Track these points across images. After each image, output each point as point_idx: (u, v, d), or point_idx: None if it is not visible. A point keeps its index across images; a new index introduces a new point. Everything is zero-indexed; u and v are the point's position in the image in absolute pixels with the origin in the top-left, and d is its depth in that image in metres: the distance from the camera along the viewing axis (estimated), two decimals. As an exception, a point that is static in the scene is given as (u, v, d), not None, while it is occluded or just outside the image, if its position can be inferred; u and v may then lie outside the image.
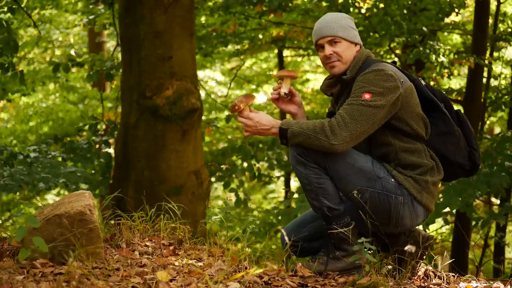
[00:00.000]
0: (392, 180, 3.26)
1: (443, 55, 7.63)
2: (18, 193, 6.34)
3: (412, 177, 3.28)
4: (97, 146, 8.04)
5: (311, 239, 3.53)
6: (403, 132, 3.31)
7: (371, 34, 9.01)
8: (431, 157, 3.35)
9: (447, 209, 6.44)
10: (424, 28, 7.88)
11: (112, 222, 3.67)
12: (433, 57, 7.46)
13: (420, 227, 3.80)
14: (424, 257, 3.45)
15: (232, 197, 8.09)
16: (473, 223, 7.44)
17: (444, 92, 3.58)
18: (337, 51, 3.37)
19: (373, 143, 3.34)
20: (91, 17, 10.03)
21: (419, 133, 3.33)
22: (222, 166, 8.65)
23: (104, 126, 8.67)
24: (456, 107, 3.58)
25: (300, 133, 3.19)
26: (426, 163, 3.31)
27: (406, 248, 3.40)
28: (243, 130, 3.39)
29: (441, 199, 6.42)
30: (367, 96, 3.20)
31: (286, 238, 3.50)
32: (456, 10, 8.13)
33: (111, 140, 8.16)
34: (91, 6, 10.12)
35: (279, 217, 7.74)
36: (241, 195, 8.09)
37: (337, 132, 3.14)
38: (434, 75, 9.63)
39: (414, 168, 3.30)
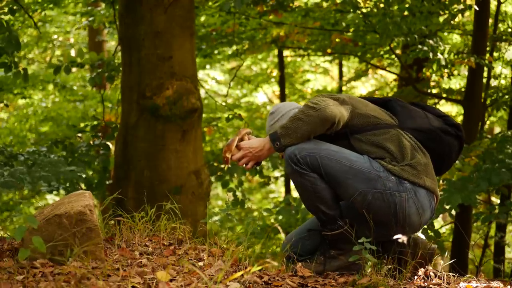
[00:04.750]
0: (392, 177, 3.21)
1: (441, 53, 7.61)
2: (17, 192, 6.32)
3: (407, 164, 3.24)
4: (96, 149, 8.03)
5: (313, 252, 3.50)
6: (374, 126, 3.30)
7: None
8: (410, 139, 3.34)
9: (449, 206, 6.41)
10: (423, 27, 7.87)
11: (112, 222, 3.67)
12: (431, 55, 7.44)
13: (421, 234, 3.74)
14: (426, 266, 3.43)
15: (231, 197, 8.08)
16: (474, 218, 7.42)
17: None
18: None
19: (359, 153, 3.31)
20: (90, 18, 10.03)
21: (388, 121, 3.34)
22: (222, 166, 8.64)
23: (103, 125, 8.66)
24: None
25: (290, 122, 3.19)
26: (408, 145, 3.29)
27: (407, 253, 3.38)
28: (243, 165, 3.35)
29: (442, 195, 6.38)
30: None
31: (289, 249, 3.48)
32: (459, 13, 8.13)
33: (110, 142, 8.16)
34: (89, 8, 10.11)
35: (280, 217, 7.73)
36: (239, 195, 8.07)
37: (318, 102, 3.16)
38: (433, 76, 9.64)
39: (404, 156, 3.26)
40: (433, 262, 3.46)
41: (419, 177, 3.24)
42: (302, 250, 3.47)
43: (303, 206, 6.78)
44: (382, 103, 3.49)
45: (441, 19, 8.45)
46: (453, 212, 6.64)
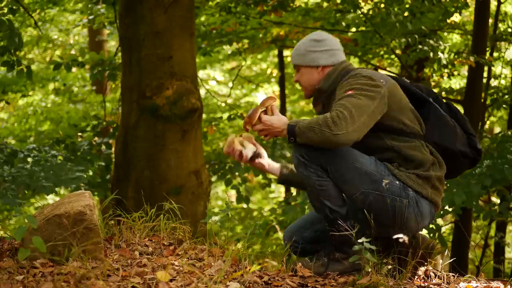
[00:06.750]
0: (397, 182, 3.23)
1: (442, 52, 7.61)
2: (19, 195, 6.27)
3: (415, 174, 3.26)
4: (99, 147, 8.03)
5: (312, 241, 3.51)
6: (398, 131, 3.30)
7: (371, 35, 9.01)
8: (431, 153, 3.34)
9: (451, 208, 6.39)
10: (424, 27, 7.87)
11: (112, 222, 3.67)
12: (431, 54, 7.44)
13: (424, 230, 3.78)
14: (426, 263, 3.43)
15: (232, 196, 8.09)
16: (475, 215, 7.39)
17: (432, 89, 3.61)
18: (297, 79, 3.51)
19: (371, 150, 3.30)
20: (90, 17, 10.03)
21: (414, 130, 3.33)
22: (224, 164, 8.63)
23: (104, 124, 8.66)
24: (456, 107, 3.58)
25: (307, 127, 3.14)
26: (426, 158, 3.29)
27: (407, 252, 3.38)
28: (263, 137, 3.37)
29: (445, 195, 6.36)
30: (350, 92, 3.21)
31: (286, 238, 3.49)
32: (457, 12, 8.14)
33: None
34: (89, 6, 10.11)
35: (281, 218, 7.72)
36: (243, 192, 8.08)
37: (338, 123, 3.08)
38: (433, 75, 9.64)
39: (417, 166, 3.28)
40: (433, 258, 3.46)
41: (423, 188, 3.27)
42: (303, 240, 3.49)
43: (307, 205, 6.76)
44: (420, 101, 3.44)
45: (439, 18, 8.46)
46: (454, 212, 6.60)
